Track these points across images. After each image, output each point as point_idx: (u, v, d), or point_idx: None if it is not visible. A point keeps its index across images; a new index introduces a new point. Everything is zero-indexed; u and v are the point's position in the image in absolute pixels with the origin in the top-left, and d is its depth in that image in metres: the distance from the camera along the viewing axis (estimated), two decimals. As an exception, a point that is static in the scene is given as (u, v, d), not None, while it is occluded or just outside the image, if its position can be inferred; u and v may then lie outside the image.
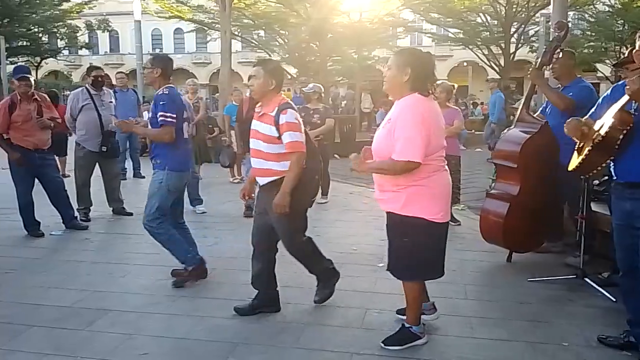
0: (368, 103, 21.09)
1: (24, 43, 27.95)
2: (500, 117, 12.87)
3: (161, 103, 4.17)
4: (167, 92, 4.22)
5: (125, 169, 9.30)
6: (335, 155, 11.22)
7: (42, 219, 5.99)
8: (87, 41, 33.87)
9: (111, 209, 6.83)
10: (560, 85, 4.92)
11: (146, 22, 22.29)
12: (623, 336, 3.23)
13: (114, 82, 9.97)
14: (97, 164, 6.61)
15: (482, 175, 9.11)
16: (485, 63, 23.41)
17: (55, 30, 29.38)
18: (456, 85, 6.94)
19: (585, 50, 21.29)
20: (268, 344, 3.34)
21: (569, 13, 8.97)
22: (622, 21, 20.39)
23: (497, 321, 3.63)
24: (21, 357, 3.21)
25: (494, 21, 22.25)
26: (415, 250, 3.09)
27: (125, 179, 8.87)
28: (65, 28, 29.52)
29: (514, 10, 20.64)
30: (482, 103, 25.20)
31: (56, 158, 6.68)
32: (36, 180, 5.96)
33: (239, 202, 6.92)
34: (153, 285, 4.37)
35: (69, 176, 7.98)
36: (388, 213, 3.16)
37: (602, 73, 22.72)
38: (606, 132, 3.07)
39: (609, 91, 3.44)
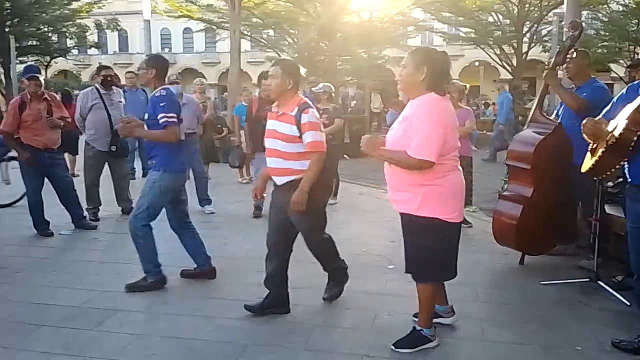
0: (378, 103, 21.00)
1: (34, 42, 28.07)
2: (508, 117, 12.77)
3: (161, 105, 4.15)
4: (164, 94, 4.20)
5: (134, 168, 9.31)
6: (345, 156, 11.20)
7: (51, 218, 6.00)
8: (96, 40, 33.97)
9: (120, 208, 6.83)
10: (573, 86, 4.86)
11: (155, 22, 22.39)
12: (637, 340, 3.19)
13: (123, 81, 9.99)
14: (106, 164, 6.62)
15: (493, 177, 9.03)
16: (497, 63, 23.27)
17: (65, 29, 29.48)
18: (468, 86, 6.89)
19: (599, 50, 21.09)
20: (277, 345, 3.33)
21: (582, 12, 8.90)
22: (637, 21, 20.16)
23: (509, 324, 3.59)
24: (30, 357, 3.21)
25: (506, 20, 22.11)
26: (430, 251, 3.07)
27: (134, 179, 8.88)
28: (75, 27, 29.60)
29: (526, 9, 20.50)
30: (493, 103, 25.04)
31: (66, 158, 6.68)
32: (45, 180, 5.97)
33: (247, 203, 6.92)
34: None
35: (78, 175, 8.00)
36: (402, 214, 3.13)
37: (616, 73, 22.50)
38: (620, 134, 3.02)
39: (624, 90, 3.39)
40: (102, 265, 4.85)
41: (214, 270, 4.49)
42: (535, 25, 21.11)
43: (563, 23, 6.70)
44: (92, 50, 38.89)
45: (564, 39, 4.85)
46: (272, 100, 6.73)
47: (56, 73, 39.53)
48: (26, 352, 3.25)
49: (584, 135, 3.36)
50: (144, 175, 9.76)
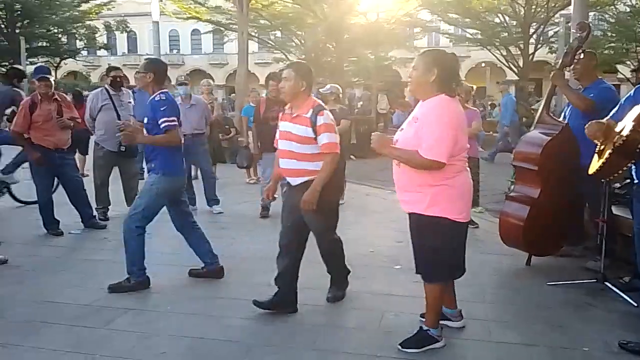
0: (384, 104, 21.00)
1: (44, 44, 28.31)
2: (512, 119, 12.73)
3: (162, 109, 4.18)
4: (164, 98, 4.23)
5: (143, 168, 9.31)
6: (352, 157, 11.21)
7: (61, 217, 6.05)
8: (105, 42, 34.19)
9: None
10: (580, 87, 4.86)
11: (164, 23, 22.46)
12: (645, 342, 3.18)
13: (132, 82, 10.04)
14: (115, 164, 6.67)
15: (499, 178, 9.02)
16: (504, 64, 23.19)
17: (75, 31, 29.72)
18: (475, 87, 6.89)
19: (606, 52, 20.97)
20: (284, 345, 3.34)
21: (589, 14, 8.87)
22: (644, 22, 20.07)
23: (516, 325, 3.60)
24: (40, 355, 3.24)
25: (512, 22, 22.01)
26: (438, 250, 3.09)
27: (143, 179, 8.86)
28: (84, 29, 29.84)
29: (533, 10, 20.41)
30: (499, 104, 24.98)
31: (76, 158, 6.74)
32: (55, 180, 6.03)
33: (255, 203, 6.95)
34: (170, 284, 4.39)
35: (87, 175, 8.05)
36: (411, 214, 3.15)
37: (623, 74, 22.36)
38: (627, 135, 3.03)
39: (632, 92, 3.39)
40: (111, 264, 4.89)
41: (222, 269, 4.52)
42: (542, 27, 21.01)
43: (570, 24, 6.69)
44: (102, 52, 39.18)
45: (571, 40, 4.84)
46: (280, 101, 6.77)
47: (66, 74, 39.77)
48: (36, 350, 3.28)
49: (587, 135, 3.36)
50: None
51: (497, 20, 22.58)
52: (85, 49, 33.89)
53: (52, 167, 5.87)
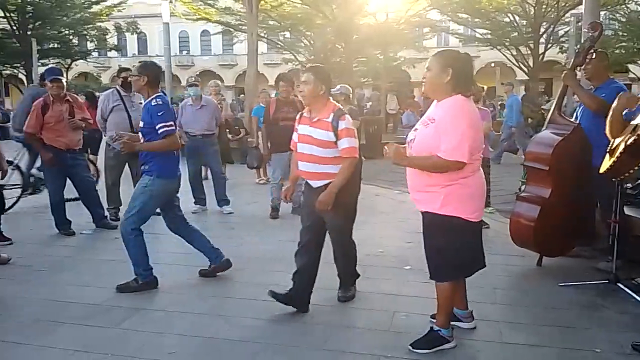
0: (394, 104, 21.00)
1: (55, 45, 28.51)
2: (518, 120, 12.65)
3: (159, 114, 4.19)
4: (160, 102, 4.24)
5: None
6: (362, 157, 11.19)
7: (72, 218, 6.10)
8: (116, 43, 34.35)
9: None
10: (592, 87, 4.83)
11: (174, 24, 22.54)
12: (658, 343, 3.16)
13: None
14: (126, 164, 6.70)
15: (510, 178, 8.99)
16: (514, 64, 23.10)
17: (85, 32, 29.93)
18: (485, 87, 6.86)
19: (617, 51, 20.84)
20: (294, 345, 3.35)
21: (600, 13, 8.81)
22: (655, 21, 19.94)
23: (527, 326, 3.58)
24: (51, 354, 3.26)
25: (522, 21, 21.95)
26: (451, 249, 3.08)
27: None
28: (95, 30, 30.04)
29: (543, 10, 20.33)
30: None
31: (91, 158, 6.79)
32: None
33: (265, 204, 6.96)
34: (181, 284, 4.41)
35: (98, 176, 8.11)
36: (424, 213, 3.15)
37: (634, 74, 22.23)
38: (638, 134, 3.01)
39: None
40: (122, 264, 4.89)
41: (228, 261, 4.55)
42: (552, 26, 20.93)
43: (581, 23, 6.64)
44: (112, 53, 39.40)
45: (583, 40, 4.81)
46: (290, 102, 6.78)
47: (76, 75, 40.06)
48: (47, 350, 3.31)
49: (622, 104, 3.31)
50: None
51: (506, 20, 22.53)
52: (95, 50, 34.10)
53: (63, 167, 5.92)
